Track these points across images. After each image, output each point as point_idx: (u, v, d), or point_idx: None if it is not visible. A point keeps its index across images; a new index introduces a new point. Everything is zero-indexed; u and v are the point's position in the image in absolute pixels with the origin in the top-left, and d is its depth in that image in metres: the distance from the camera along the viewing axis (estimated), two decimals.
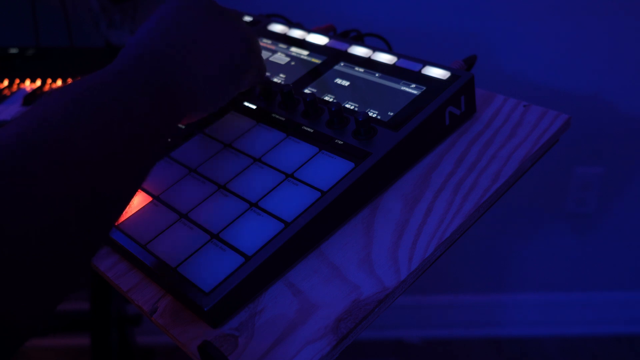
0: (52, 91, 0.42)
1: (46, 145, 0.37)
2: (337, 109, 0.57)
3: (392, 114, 0.57)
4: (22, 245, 0.34)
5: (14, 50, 1.11)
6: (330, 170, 0.54)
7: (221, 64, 0.51)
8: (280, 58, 0.70)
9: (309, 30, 0.72)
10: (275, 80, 0.67)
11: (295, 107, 0.61)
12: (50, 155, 0.36)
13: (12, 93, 1.01)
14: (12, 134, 0.37)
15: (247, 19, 0.78)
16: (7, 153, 0.36)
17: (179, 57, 0.48)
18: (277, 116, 0.61)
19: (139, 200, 0.57)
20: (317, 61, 0.67)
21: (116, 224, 0.55)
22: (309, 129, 0.58)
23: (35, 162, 0.36)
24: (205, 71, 0.50)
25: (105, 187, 0.39)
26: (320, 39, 0.70)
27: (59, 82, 1.03)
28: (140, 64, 0.46)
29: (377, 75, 0.63)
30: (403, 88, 0.60)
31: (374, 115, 0.58)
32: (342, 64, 0.65)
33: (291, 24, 0.75)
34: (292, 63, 0.68)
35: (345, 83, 0.63)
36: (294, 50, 0.70)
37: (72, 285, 0.38)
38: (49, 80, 1.03)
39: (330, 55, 0.67)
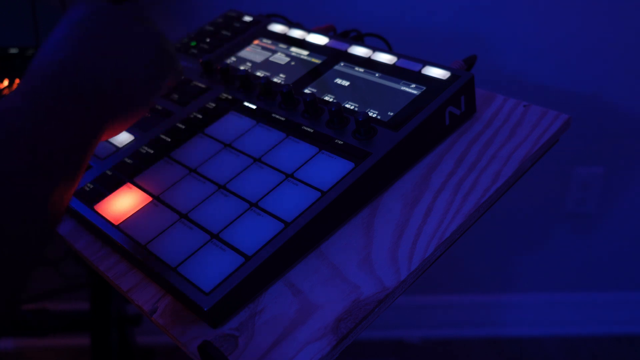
0: None
1: None
2: (337, 109, 0.57)
3: (392, 114, 0.57)
4: None
5: (14, 50, 1.11)
6: (330, 170, 0.54)
7: (135, 69, 0.49)
8: (280, 58, 0.70)
9: (309, 30, 0.72)
10: (275, 80, 0.67)
11: (295, 107, 0.61)
12: None
13: None
14: None
15: (247, 18, 0.78)
16: None
17: (89, 67, 0.46)
18: (277, 116, 0.61)
19: (139, 200, 0.57)
20: (317, 61, 0.67)
21: (116, 224, 0.55)
22: (309, 129, 0.58)
23: None
24: (120, 77, 0.48)
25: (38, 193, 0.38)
26: (320, 39, 0.70)
27: None
28: (50, 78, 0.44)
29: (377, 75, 0.63)
30: (403, 88, 0.60)
31: (374, 115, 0.58)
32: (342, 64, 0.65)
33: (291, 24, 0.75)
34: (292, 63, 0.68)
35: (345, 83, 0.63)
36: (294, 50, 0.70)
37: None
38: None
39: (330, 55, 0.67)
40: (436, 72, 0.60)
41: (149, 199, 0.57)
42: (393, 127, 0.56)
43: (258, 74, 0.68)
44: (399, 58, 0.63)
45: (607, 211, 1.46)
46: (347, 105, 0.60)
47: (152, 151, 0.62)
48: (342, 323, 0.46)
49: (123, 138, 0.65)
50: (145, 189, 0.58)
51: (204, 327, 0.48)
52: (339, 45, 0.68)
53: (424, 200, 0.54)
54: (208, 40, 0.76)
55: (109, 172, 0.61)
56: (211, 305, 0.46)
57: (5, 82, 1.04)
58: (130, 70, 0.49)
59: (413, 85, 0.60)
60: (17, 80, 1.04)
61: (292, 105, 0.61)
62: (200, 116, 0.64)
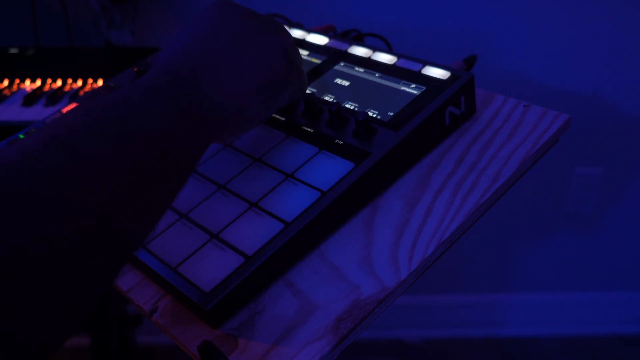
0: (77, 106, 0.39)
1: (53, 163, 0.34)
2: (337, 109, 0.57)
3: (392, 114, 0.57)
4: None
5: (14, 50, 1.11)
6: (330, 170, 0.54)
7: (258, 79, 0.48)
8: None
9: (309, 30, 0.72)
10: None
11: (295, 108, 0.61)
12: (57, 178, 0.33)
13: (12, 93, 1.01)
14: (17, 152, 0.34)
15: None
16: (10, 172, 0.33)
17: (209, 73, 0.45)
18: (277, 116, 0.61)
19: None
20: (317, 61, 0.67)
21: None
22: (308, 129, 0.58)
23: (39, 184, 0.33)
24: (240, 87, 0.47)
25: (118, 220, 0.36)
26: (320, 39, 0.70)
27: (59, 82, 1.03)
28: (168, 79, 0.43)
29: (377, 75, 0.63)
30: (403, 88, 0.60)
31: (374, 115, 0.58)
32: (342, 64, 0.65)
33: (291, 24, 0.75)
34: None
35: (345, 83, 0.63)
36: None
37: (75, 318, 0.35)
38: (49, 80, 1.03)
39: (330, 55, 0.67)
40: (436, 72, 0.60)
41: None
42: (393, 127, 0.56)
43: None
44: (399, 58, 0.63)
45: (607, 211, 1.46)
46: (347, 105, 0.60)
47: None
48: (342, 323, 0.46)
49: None
50: None
51: (204, 327, 0.48)
52: (339, 45, 0.68)
53: (424, 200, 0.54)
54: None
55: None
56: (211, 305, 0.46)
57: (5, 82, 1.04)
58: (248, 79, 0.47)
59: (413, 85, 0.60)
60: (17, 80, 1.04)
61: (292, 106, 0.61)
62: None
